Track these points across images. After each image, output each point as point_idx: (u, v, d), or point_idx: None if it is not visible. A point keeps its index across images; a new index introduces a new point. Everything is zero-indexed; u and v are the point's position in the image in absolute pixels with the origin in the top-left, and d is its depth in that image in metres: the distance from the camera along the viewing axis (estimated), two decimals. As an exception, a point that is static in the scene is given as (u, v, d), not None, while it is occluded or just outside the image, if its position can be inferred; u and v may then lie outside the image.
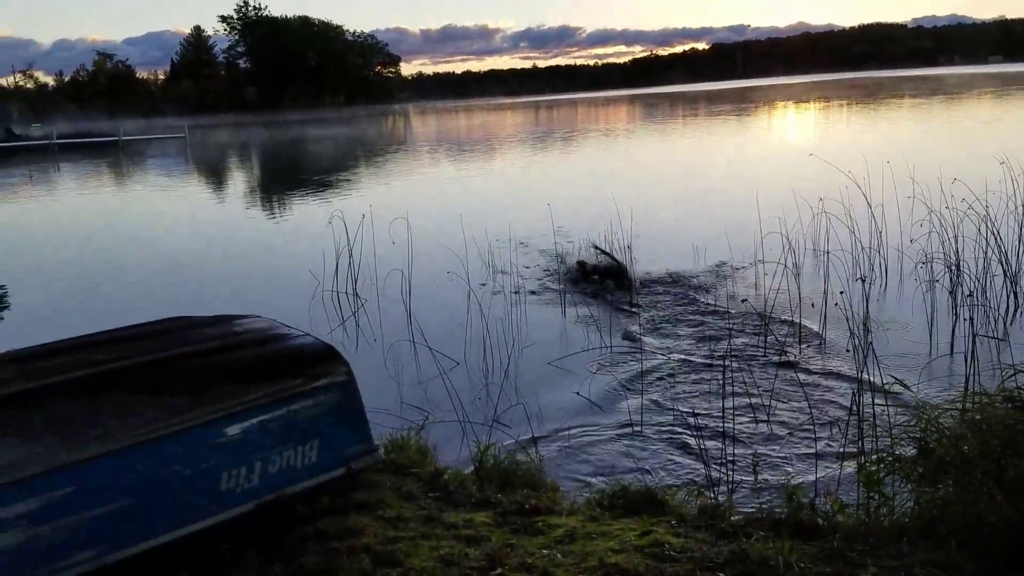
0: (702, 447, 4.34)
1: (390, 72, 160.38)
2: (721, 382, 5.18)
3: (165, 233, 15.53)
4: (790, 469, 4.26)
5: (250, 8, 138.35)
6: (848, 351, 6.00)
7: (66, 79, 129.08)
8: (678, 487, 3.90)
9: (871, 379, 5.08)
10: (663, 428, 4.94)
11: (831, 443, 4.42)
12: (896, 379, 4.00)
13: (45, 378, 3.06)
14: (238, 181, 28.94)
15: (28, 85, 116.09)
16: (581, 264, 9.06)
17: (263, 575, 2.94)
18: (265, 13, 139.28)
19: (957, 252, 7.24)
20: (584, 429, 5.03)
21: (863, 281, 7.50)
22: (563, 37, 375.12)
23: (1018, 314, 6.88)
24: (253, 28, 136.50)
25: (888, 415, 4.27)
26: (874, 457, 3.38)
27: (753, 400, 5.08)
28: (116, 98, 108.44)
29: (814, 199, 9.16)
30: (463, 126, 60.57)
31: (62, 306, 9.42)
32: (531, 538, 3.15)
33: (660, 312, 7.57)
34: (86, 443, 2.81)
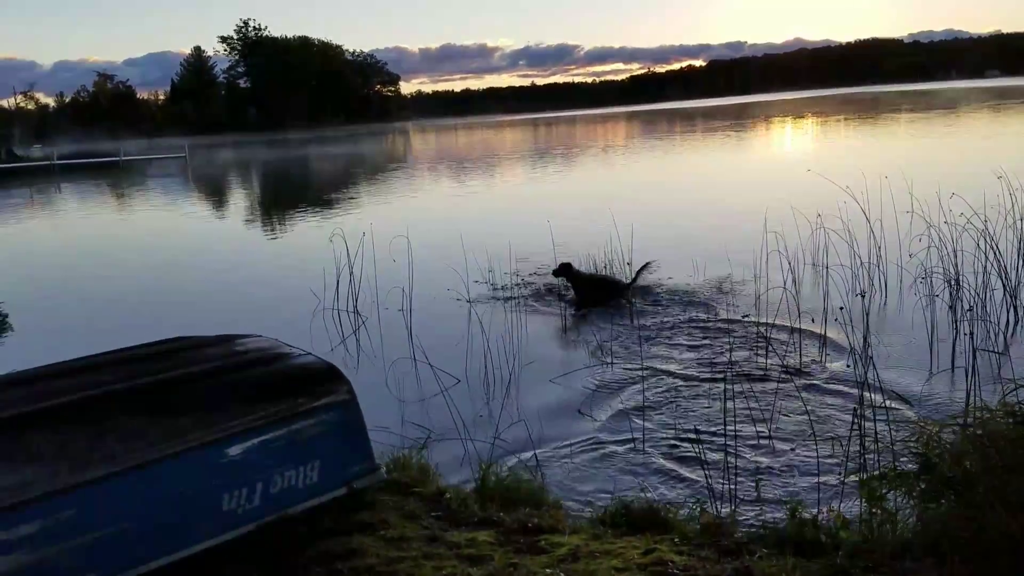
0: (704, 463, 4.33)
1: (390, 91, 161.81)
2: (722, 398, 5.17)
3: (166, 252, 15.58)
4: (792, 485, 4.25)
5: (250, 29, 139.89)
6: (849, 366, 6.00)
7: (67, 100, 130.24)
8: (681, 504, 3.89)
9: (872, 394, 5.08)
10: (665, 444, 4.94)
11: (833, 459, 4.41)
12: (897, 394, 4.00)
13: (48, 400, 3.07)
14: (239, 200, 29.05)
15: (29, 107, 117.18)
16: (566, 267, 8.89)
17: (265, 596, 2.93)
18: (265, 33, 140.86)
19: (956, 266, 7.24)
20: (586, 446, 5.02)
21: (863, 296, 7.50)
22: (561, 55, 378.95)
23: (1018, 328, 6.88)
24: (253, 48, 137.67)
25: (889, 430, 4.27)
26: (876, 473, 3.37)
27: (754, 415, 5.07)
28: (117, 119, 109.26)
29: (813, 214, 9.19)
30: (462, 144, 60.87)
31: (64, 327, 9.42)
32: (534, 557, 3.14)
33: (661, 328, 7.57)
34: (89, 465, 2.81)
